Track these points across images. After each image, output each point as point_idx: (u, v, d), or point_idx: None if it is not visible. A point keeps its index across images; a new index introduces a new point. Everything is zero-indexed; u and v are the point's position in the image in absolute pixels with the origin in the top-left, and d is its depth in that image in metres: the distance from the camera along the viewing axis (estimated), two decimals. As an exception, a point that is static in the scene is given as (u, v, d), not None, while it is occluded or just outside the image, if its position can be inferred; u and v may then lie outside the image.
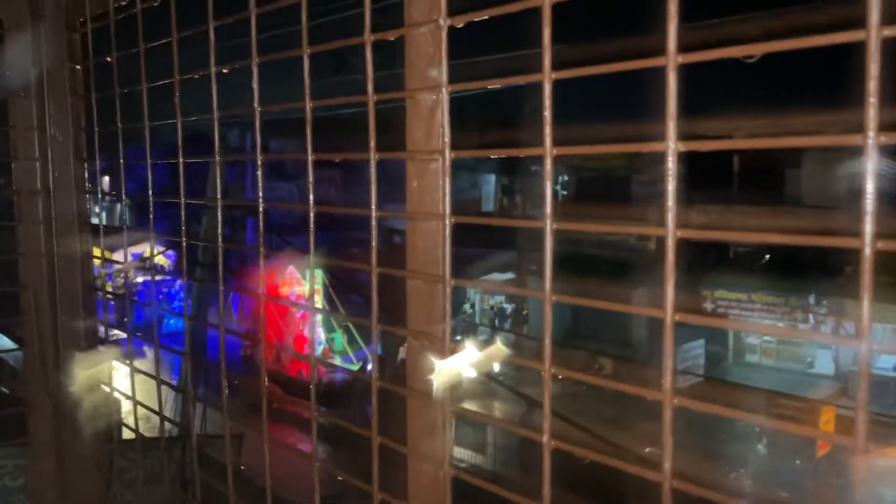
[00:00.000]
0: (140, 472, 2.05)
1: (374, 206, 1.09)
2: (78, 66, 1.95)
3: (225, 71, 1.37)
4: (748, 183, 14.96)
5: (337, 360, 16.79)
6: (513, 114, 16.34)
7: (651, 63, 0.74)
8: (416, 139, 1.08)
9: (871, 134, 0.59)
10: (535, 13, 0.87)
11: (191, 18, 1.46)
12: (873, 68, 0.60)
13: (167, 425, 1.79)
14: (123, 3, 1.66)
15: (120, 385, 1.94)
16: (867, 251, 0.60)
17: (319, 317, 17.34)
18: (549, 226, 0.87)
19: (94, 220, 2.07)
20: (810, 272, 13.82)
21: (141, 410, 1.79)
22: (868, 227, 0.60)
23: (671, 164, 0.74)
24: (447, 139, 1.01)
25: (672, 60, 0.72)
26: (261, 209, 1.33)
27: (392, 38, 1.07)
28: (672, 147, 0.74)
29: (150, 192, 1.67)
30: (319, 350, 16.86)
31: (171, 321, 13.95)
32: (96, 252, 2.05)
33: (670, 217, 0.75)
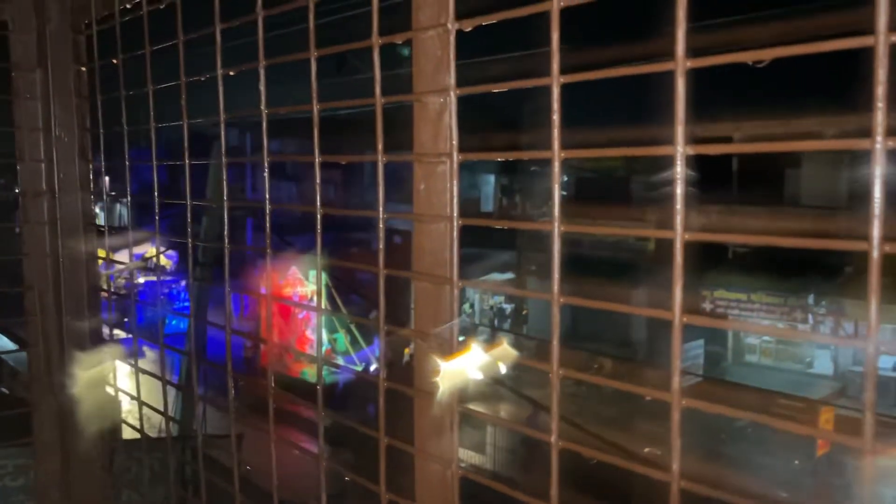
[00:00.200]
0: (144, 472, 2.06)
1: (381, 208, 1.10)
2: (83, 68, 1.96)
3: (231, 73, 1.38)
4: (747, 183, 14.97)
5: (339, 362, 16.77)
6: (516, 115, 16.33)
7: (660, 68, 0.75)
8: (423, 141, 1.09)
9: (879, 138, 0.60)
10: (544, 17, 0.88)
11: (193, 21, 1.47)
12: (881, 73, 0.60)
13: (170, 425, 1.80)
14: (129, 6, 1.67)
15: (123, 385, 1.94)
16: (875, 254, 0.61)
17: (322, 317, 17.28)
18: (557, 228, 0.88)
19: (99, 221, 2.08)
20: (809, 272, 13.83)
21: (143, 410, 1.79)
22: (876, 230, 0.61)
23: (679, 167, 0.75)
24: (455, 142, 1.01)
25: (681, 65, 0.73)
26: (267, 210, 1.34)
27: (400, 41, 1.08)
28: (681, 150, 0.74)
29: (155, 192, 1.68)
30: (322, 351, 16.81)
31: (174, 321, 13.95)
32: (101, 253, 2.06)
33: (678, 220, 0.76)
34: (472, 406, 1.08)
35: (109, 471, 2.08)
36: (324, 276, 13.67)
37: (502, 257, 17.70)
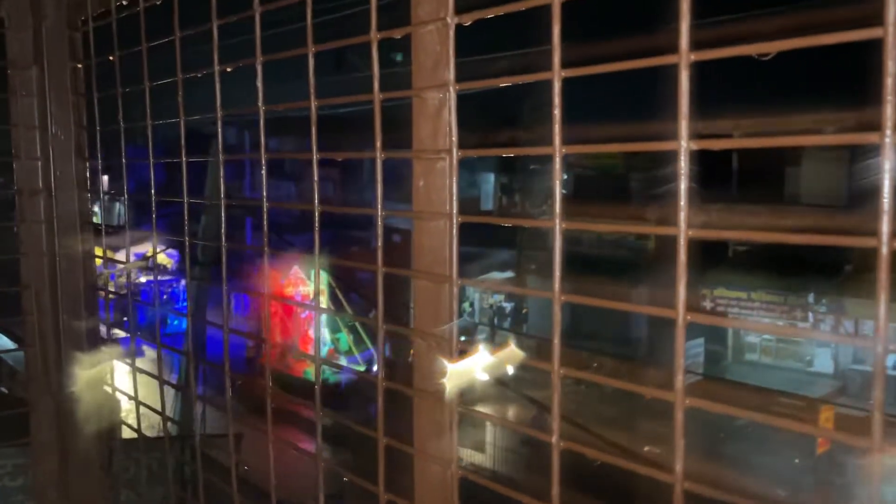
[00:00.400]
0: (142, 472, 2.05)
1: (380, 206, 1.09)
2: (80, 65, 1.94)
3: (229, 69, 1.36)
4: (747, 182, 14.96)
5: (342, 361, 16.74)
6: (517, 113, 16.28)
7: (663, 61, 0.74)
8: (422, 138, 1.08)
9: (888, 132, 0.59)
10: (544, 11, 0.86)
11: (190, 17, 1.46)
12: (890, 66, 0.59)
13: (168, 424, 1.78)
14: (125, 2, 1.66)
15: (121, 385, 1.93)
16: (884, 249, 0.60)
17: (324, 317, 17.31)
18: (558, 225, 0.87)
19: (97, 220, 2.07)
20: (809, 271, 13.82)
21: (141, 409, 1.78)
22: (885, 225, 0.60)
23: (683, 163, 0.74)
24: (454, 138, 1.00)
25: (684, 58, 0.72)
26: (265, 209, 1.33)
27: (398, 37, 1.07)
28: (684, 146, 0.73)
29: (153, 190, 1.66)
30: (325, 351, 16.83)
31: (175, 321, 13.93)
32: (98, 251, 2.05)
33: (682, 217, 0.75)
34: (473, 407, 1.07)
35: (108, 471, 2.07)
36: (327, 275, 13.65)
37: (502, 256, 17.69)
